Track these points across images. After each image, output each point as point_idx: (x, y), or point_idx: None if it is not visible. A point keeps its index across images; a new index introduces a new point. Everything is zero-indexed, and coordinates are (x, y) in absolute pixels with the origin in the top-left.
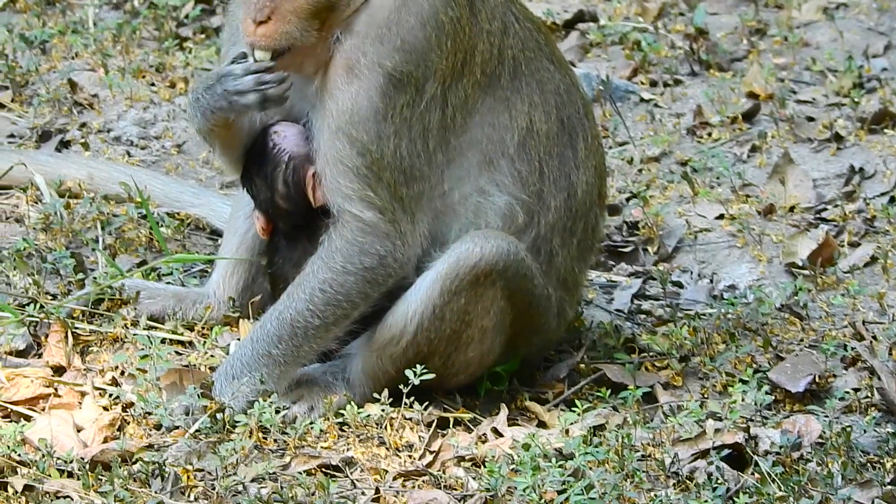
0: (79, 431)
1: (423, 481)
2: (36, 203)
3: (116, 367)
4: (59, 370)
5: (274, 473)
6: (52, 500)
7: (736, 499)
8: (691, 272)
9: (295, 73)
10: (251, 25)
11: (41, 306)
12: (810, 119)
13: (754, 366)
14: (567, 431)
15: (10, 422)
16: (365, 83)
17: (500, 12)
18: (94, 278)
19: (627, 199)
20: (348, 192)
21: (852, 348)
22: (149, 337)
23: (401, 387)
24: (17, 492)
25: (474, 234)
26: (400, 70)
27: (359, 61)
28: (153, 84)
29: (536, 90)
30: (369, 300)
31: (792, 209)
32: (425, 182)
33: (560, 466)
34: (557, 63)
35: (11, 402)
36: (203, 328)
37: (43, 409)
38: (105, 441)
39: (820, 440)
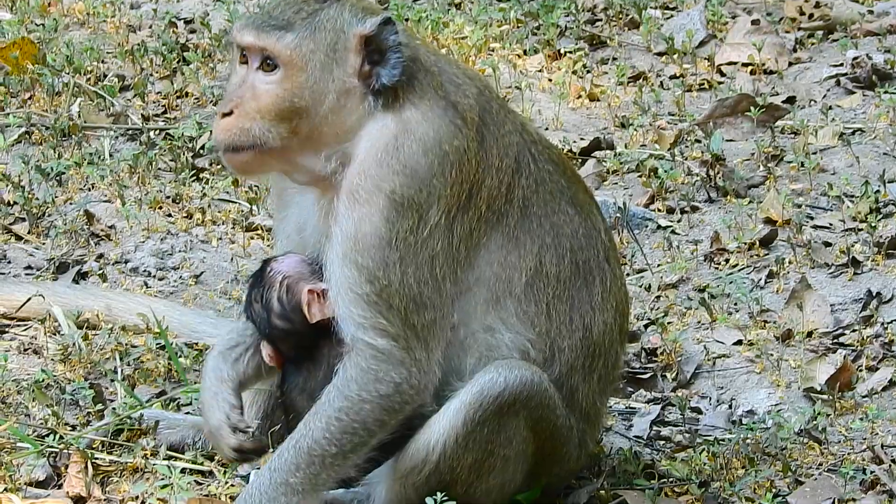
0: None
1: None
2: (54, 334)
3: (137, 497)
4: (79, 500)
5: None
6: None
7: None
8: (710, 398)
9: (295, 186)
10: (218, 118)
11: (61, 437)
12: (827, 244)
13: (774, 490)
14: None
15: None
16: (367, 208)
17: (514, 150)
18: (114, 409)
19: (646, 326)
20: (360, 320)
21: (871, 472)
22: (169, 467)
23: None
24: None
25: (499, 364)
26: (401, 194)
27: (360, 186)
28: (170, 215)
29: (550, 232)
30: (386, 428)
31: (810, 334)
32: (436, 310)
33: None
34: (579, 207)
35: None
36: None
37: None
38: None
39: None
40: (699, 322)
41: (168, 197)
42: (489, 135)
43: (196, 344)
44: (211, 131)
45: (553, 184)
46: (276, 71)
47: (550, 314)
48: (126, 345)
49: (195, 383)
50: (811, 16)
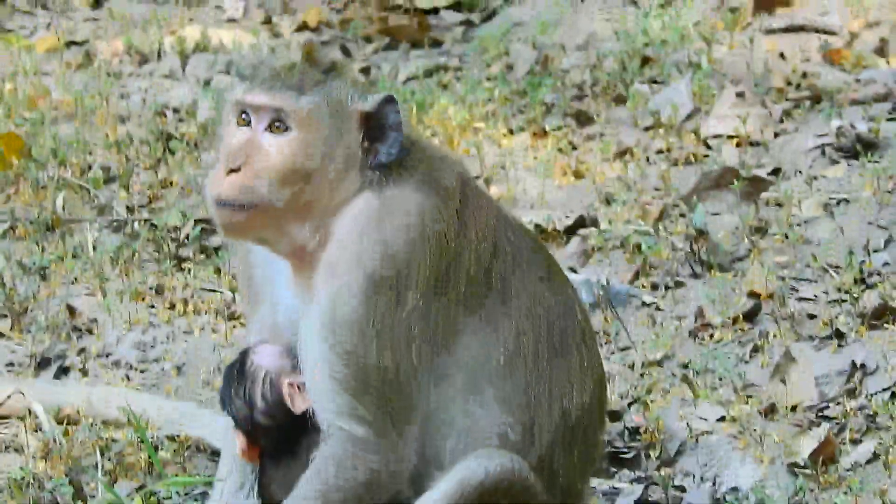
0: None
1: None
2: (35, 431)
3: None
4: None
5: None
6: None
7: None
8: (693, 475)
9: (265, 267)
10: (221, 175)
11: None
12: (811, 316)
13: None
14: None
15: None
16: (345, 286)
17: (491, 232)
18: None
19: (629, 405)
20: (336, 405)
21: None
22: None
23: None
24: None
25: (478, 454)
26: (380, 273)
27: (340, 264)
28: (152, 306)
29: (527, 314)
30: None
31: (794, 408)
32: (412, 396)
33: None
34: (554, 287)
35: None
36: None
37: None
38: None
39: None
40: (683, 399)
41: (151, 288)
42: (469, 218)
43: (178, 436)
44: (205, 189)
45: (529, 265)
46: (288, 132)
47: (529, 396)
48: (107, 439)
49: (175, 476)
50: (798, 86)
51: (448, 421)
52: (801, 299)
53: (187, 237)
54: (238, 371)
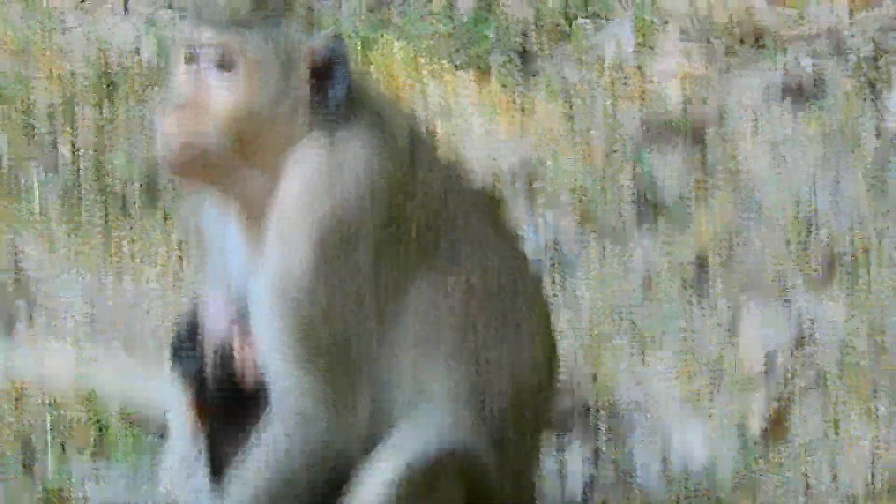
0: None
1: None
2: None
3: None
4: None
5: None
6: None
7: None
8: (643, 443)
9: (218, 219)
10: (169, 113)
11: None
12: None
13: None
14: None
15: None
16: (295, 238)
17: (441, 186)
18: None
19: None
20: (286, 359)
21: None
22: None
23: None
24: None
25: (428, 426)
26: (330, 225)
27: (289, 216)
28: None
29: (477, 269)
30: (314, 486)
31: (742, 363)
32: (362, 348)
33: None
34: (505, 242)
35: None
36: None
37: None
38: None
39: None
40: (631, 354)
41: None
42: (419, 169)
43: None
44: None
45: (479, 219)
46: (234, 70)
47: (480, 363)
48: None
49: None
50: (741, 23)
51: (398, 374)
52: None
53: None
54: (188, 336)
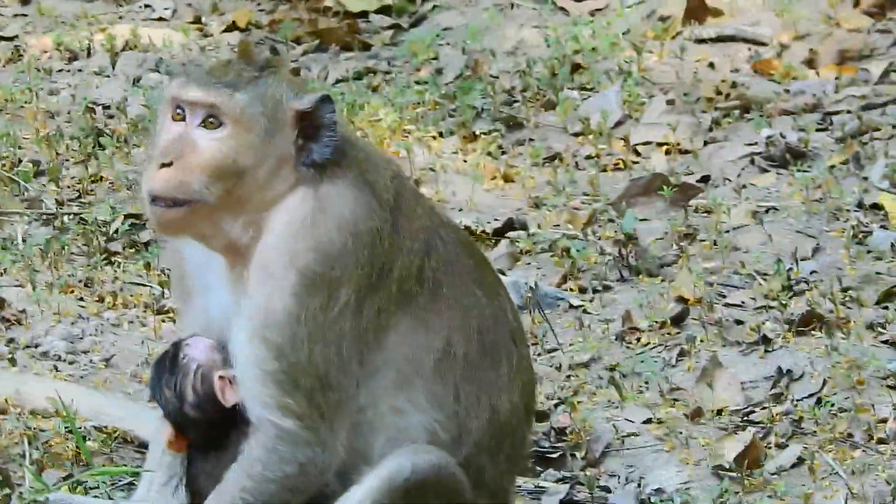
0: None
1: None
2: None
3: None
4: None
5: None
6: None
7: None
8: (619, 476)
9: (197, 263)
10: (155, 169)
11: None
12: (739, 322)
13: None
14: None
15: None
16: (278, 283)
17: (424, 233)
18: (20, 493)
19: (555, 406)
20: (267, 399)
21: None
22: None
23: None
24: None
25: (406, 450)
26: (312, 271)
27: (272, 261)
28: (81, 299)
29: (458, 314)
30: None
31: (720, 412)
32: (342, 391)
33: None
34: (486, 288)
35: None
36: None
37: None
38: None
39: None
40: (609, 401)
41: (80, 281)
42: (401, 217)
43: (105, 427)
44: (140, 185)
45: (461, 266)
46: (222, 129)
47: (458, 395)
48: (35, 429)
49: (102, 466)
50: (728, 95)
51: (377, 417)
52: (728, 305)
53: (116, 231)
54: (170, 362)
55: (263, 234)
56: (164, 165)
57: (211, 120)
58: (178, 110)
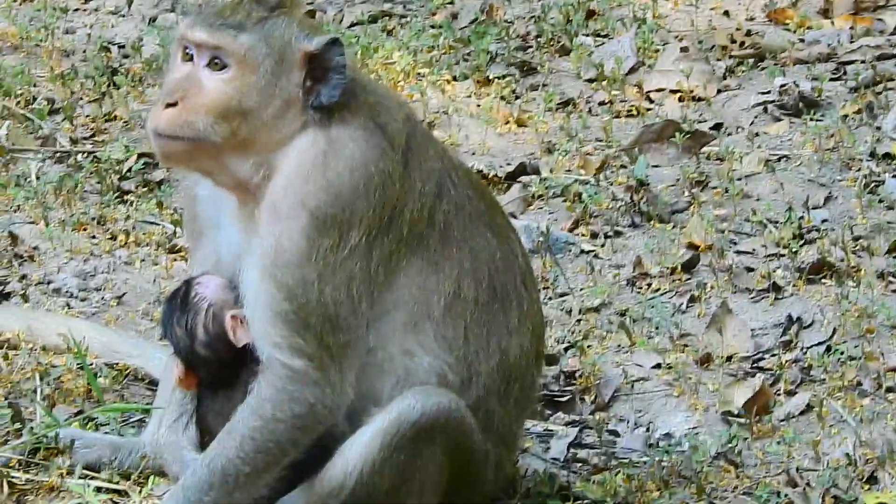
0: None
1: None
2: None
3: None
4: None
5: None
6: None
7: None
8: (627, 421)
9: (214, 185)
10: (160, 108)
11: None
12: (749, 269)
13: None
14: None
15: None
16: (289, 224)
17: (436, 175)
18: (31, 428)
19: (565, 349)
20: (277, 339)
21: (786, 496)
22: (84, 485)
23: None
24: None
25: (415, 391)
26: (324, 212)
27: (283, 201)
28: (94, 237)
29: (468, 256)
30: (300, 447)
31: (729, 359)
32: (351, 332)
33: None
34: (497, 232)
35: None
36: (139, 477)
37: None
38: None
39: None
40: (619, 346)
41: (93, 219)
42: (413, 159)
43: (116, 364)
44: (146, 123)
45: (472, 209)
46: (227, 70)
47: (468, 338)
48: (46, 365)
49: (113, 402)
50: (742, 44)
51: (387, 359)
52: (739, 252)
53: (130, 170)
54: (181, 300)
55: (274, 174)
56: (169, 105)
57: (216, 61)
58: (187, 50)
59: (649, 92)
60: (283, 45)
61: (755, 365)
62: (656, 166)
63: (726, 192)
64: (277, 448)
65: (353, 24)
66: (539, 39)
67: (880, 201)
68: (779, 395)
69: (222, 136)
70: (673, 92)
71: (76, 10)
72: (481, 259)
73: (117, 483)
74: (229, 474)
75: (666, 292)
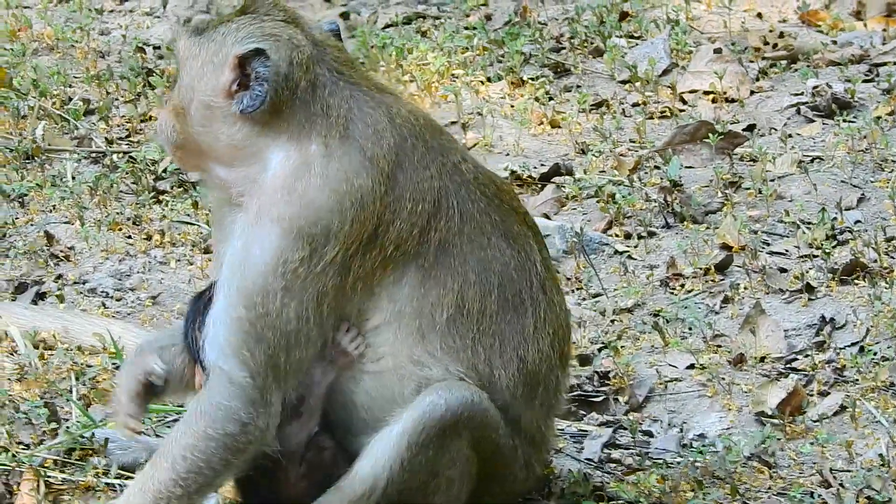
0: None
1: None
2: (11, 354)
3: None
4: None
5: None
6: None
7: None
8: (661, 421)
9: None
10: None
11: (13, 455)
12: (782, 270)
13: None
14: None
15: None
16: (260, 232)
17: (433, 194)
18: (67, 428)
19: (599, 350)
20: (225, 345)
21: (819, 496)
22: (119, 486)
23: None
24: None
25: (438, 386)
26: (296, 225)
27: (257, 211)
28: (129, 236)
29: (474, 269)
30: (231, 468)
31: (762, 359)
32: (308, 349)
33: None
34: (512, 240)
35: None
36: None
37: None
38: None
39: None
40: (652, 346)
41: (128, 219)
42: (404, 178)
43: None
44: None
45: (483, 220)
46: (180, 72)
47: (476, 348)
48: (82, 365)
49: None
50: (775, 45)
51: (400, 366)
52: (772, 253)
53: (165, 170)
54: (203, 305)
55: (253, 186)
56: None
57: (176, 65)
58: None
59: (683, 93)
60: (217, 47)
61: (788, 365)
62: (690, 167)
63: (759, 192)
64: (208, 468)
65: (387, 26)
66: (573, 41)
67: None
68: (812, 395)
69: (177, 134)
70: (706, 93)
71: (111, 11)
72: (491, 269)
73: None
74: (161, 498)
75: (699, 293)
